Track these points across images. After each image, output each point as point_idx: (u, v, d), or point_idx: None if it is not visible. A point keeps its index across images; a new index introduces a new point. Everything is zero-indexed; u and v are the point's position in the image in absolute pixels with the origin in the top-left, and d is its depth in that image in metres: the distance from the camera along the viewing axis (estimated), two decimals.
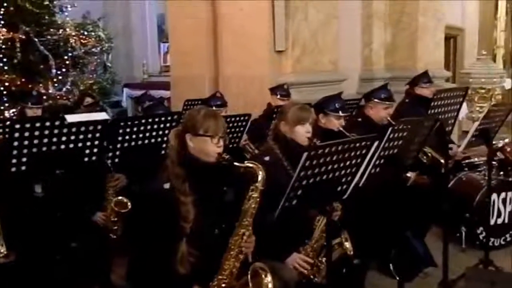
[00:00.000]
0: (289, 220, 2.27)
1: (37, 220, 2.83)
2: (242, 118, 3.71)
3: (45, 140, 2.47)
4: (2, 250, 2.45)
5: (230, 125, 3.62)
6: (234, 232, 2.14)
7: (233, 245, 2.13)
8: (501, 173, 4.32)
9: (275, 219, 2.07)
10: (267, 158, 2.57)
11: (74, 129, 2.55)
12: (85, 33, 7.82)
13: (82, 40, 7.49)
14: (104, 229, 3.04)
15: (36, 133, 2.44)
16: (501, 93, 6.76)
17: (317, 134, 2.86)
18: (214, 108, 3.88)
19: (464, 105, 6.15)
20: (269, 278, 2.07)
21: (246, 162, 2.21)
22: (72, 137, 2.55)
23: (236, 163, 2.15)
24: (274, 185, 2.12)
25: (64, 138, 2.53)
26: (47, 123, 2.48)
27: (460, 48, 8.55)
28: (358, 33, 6.30)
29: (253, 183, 2.13)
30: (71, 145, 2.55)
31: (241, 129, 3.74)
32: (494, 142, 3.68)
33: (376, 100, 3.58)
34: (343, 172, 2.14)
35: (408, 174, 3.20)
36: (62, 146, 2.53)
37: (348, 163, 2.13)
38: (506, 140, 4.40)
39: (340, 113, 3.26)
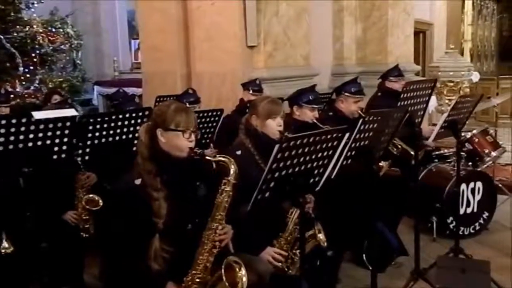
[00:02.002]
0: (262, 213, 2.27)
1: (5, 220, 2.76)
2: (214, 114, 3.71)
3: (12, 138, 2.40)
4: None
5: (203, 120, 3.61)
6: (207, 226, 2.13)
7: (206, 239, 2.12)
8: (470, 163, 4.42)
9: (248, 213, 2.07)
10: (238, 152, 2.56)
11: (41, 126, 2.49)
12: (53, 30, 7.66)
13: (50, 37, 7.36)
14: (75, 228, 2.98)
15: (2, 130, 2.37)
16: (469, 85, 6.92)
17: (290, 127, 2.88)
18: (187, 104, 3.85)
19: (434, 98, 6.31)
20: (243, 272, 2.06)
21: (218, 156, 2.21)
22: (40, 134, 2.48)
23: (208, 157, 2.14)
24: (246, 179, 2.12)
25: (31, 136, 2.46)
26: (13, 120, 2.41)
27: (429, 42, 8.72)
28: (329, 28, 6.36)
29: (225, 177, 2.13)
30: (39, 143, 2.49)
31: (214, 124, 3.73)
32: (462, 134, 3.76)
33: (346, 94, 3.62)
34: (315, 164, 2.15)
35: (381, 164, 3.25)
36: (30, 144, 2.47)
37: (320, 155, 2.14)
38: (474, 131, 4.49)
39: (314, 105, 3.29)
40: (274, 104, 2.69)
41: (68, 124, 2.56)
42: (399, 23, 6.46)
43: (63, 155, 2.60)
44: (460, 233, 3.94)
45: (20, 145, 2.43)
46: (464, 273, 3.30)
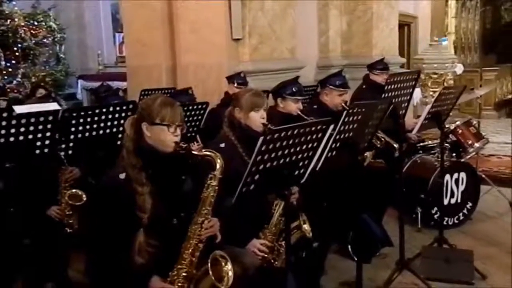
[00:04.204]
0: (247, 205, 2.27)
1: None
2: (199, 107, 3.69)
3: None
4: None
5: (188, 114, 3.59)
6: (193, 221, 2.12)
7: (192, 234, 2.11)
8: (454, 154, 4.47)
9: (233, 205, 2.07)
10: (222, 145, 2.55)
11: (23, 121, 2.46)
12: (35, 23, 7.56)
13: (32, 31, 7.26)
14: (59, 223, 2.95)
15: None
16: (453, 77, 6.99)
17: (273, 119, 2.87)
18: None
19: (418, 90, 6.37)
20: (229, 266, 2.06)
21: (204, 150, 2.20)
22: (22, 129, 2.46)
23: (194, 152, 2.13)
24: (230, 171, 2.12)
25: (13, 130, 2.43)
26: None
27: (414, 35, 8.77)
28: (314, 21, 6.36)
29: (211, 171, 2.12)
30: (21, 138, 2.46)
31: (199, 117, 3.72)
32: (446, 125, 3.80)
33: (331, 86, 3.63)
34: (300, 156, 2.15)
35: (365, 154, 3.26)
36: (11, 139, 2.44)
37: (304, 147, 2.14)
38: (458, 123, 4.54)
39: (298, 97, 3.29)
40: (257, 97, 2.68)
41: (50, 118, 2.53)
42: (383, 16, 6.48)
43: (46, 150, 2.57)
44: (444, 223, 3.98)
45: (1, 140, 2.40)
46: (448, 262, 3.36)
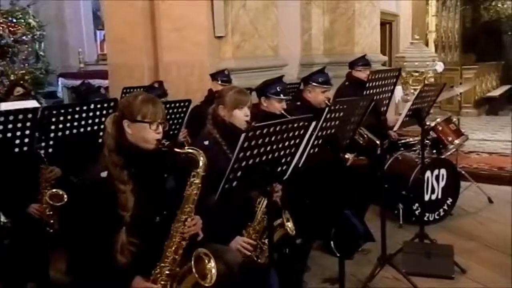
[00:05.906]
0: (231, 203, 2.27)
1: None
2: (182, 104, 3.68)
3: None
4: None
5: (170, 111, 3.57)
6: (176, 218, 2.11)
7: (175, 232, 2.10)
8: (434, 151, 4.54)
9: (216, 202, 2.06)
10: (206, 143, 2.54)
11: (2, 119, 2.42)
12: (14, 20, 7.43)
13: (11, 28, 7.14)
14: (40, 222, 2.91)
15: None
16: (433, 75, 7.08)
17: (258, 118, 2.87)
18: None
19: (399, 88, 6.43)
20: (212, 264, 2.06)
21: (186, 148, 2.18)
22: (0, 127, 2.42)
23: (176, 149, 2.12)
24: (214, 169, 2.11)
25: None
26: None
27: (395, 33, 8.86)
28: (297, 19, 6.38)
29: (194, 169, 2.11)
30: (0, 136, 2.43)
31: (182, 115, 3.70)
32: (427, 123, 3.84)
33: (314, 83, 3.64)
34: (282, 152, 2.15)
35: (347, 156, 3.29)
36: None
37: (286, 143, 2.14)
38: (438, 120, 4.60)
39: (282, 96, 3.30)
40: (241, 94, 2.68)
41: (29, 116, 2.50)
42: (365, 15, 6.54)
43: (25, 148, 2.54)
44: (425, 219, 4.05)
45: None
46: (429, 257, 3.41)
